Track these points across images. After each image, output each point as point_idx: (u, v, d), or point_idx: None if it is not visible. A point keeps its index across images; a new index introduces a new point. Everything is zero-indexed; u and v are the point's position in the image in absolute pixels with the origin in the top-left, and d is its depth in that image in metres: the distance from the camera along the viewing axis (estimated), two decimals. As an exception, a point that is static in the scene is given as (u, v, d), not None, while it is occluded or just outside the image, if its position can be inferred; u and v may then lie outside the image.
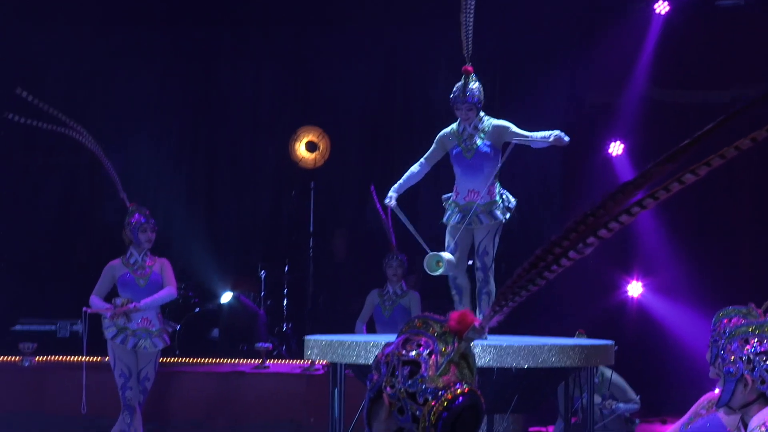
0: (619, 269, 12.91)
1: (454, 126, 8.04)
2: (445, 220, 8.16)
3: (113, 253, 9.59)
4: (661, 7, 12.85)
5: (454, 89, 7.86)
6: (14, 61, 12.98)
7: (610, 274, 12.80)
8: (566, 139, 7.77)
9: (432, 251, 7.91)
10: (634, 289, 13.06)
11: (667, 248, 12.83)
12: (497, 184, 8.07)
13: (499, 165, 7.97)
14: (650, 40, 12.92)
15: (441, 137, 8.08)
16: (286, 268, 13.20)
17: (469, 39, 7.81)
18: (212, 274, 13.23)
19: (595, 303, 12.61)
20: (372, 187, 10.78)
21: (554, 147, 8.03)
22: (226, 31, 13.96)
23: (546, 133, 7.78)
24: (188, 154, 14.16)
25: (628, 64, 12.95)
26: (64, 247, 13.40)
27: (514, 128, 7.90)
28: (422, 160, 8.12)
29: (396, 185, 8.08)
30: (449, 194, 8.24)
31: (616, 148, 13.11)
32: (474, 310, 7.75)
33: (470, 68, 7.83)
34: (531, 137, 7.82)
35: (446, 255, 8.01)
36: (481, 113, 7.90)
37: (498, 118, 7.99)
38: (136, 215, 9.28)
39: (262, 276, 12.94)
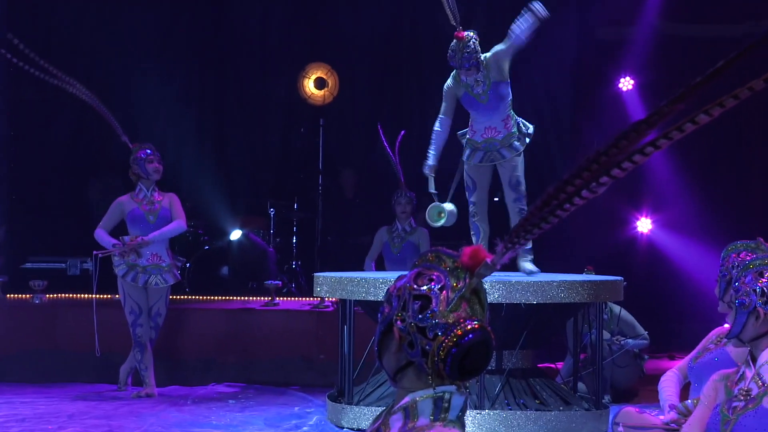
0: (628, 205, 12.90)
1: (454, 74, 8.05)
2: (465, 158, 8.18)
3: (123, 190, 9.62)
4: (673, -59, 12.73)
5: (449, 52, 7.87)
6: (21, 3, 12.89)
7: (620, 210, 12.79)
8: (541, 11, 7.82)
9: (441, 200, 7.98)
10: (644, 225, 13.06)
11: (676, 184, 12.81)
12: (512, 114, 8.10)
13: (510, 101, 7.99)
14: (662, -26, 12.82)
15: (450, 90, 8.08)
16: (296, 206, 13.21)
17: (455, 8, 7.82)
18: (221, 212, 13.24)
19: (605, 239, 12.62)
20: (379, 126, 10.76)
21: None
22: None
23: (524, 23, 7.82)
24: (196, 92, 14.12)
25: (639, -2, 12.86)
26: (74, 185, 13.40)
27: (504, 46, 7.92)
28: (441, 116, 8.13)
29: (431, 158, 8.08)
30: (464, 130, 8.25)
31: (626, 84, 13.05)
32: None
33: (461, 34, 7.84)
34: (518, 34, 7.84)
35: (448, 206, 8.05)
36: (479, 55, 7.90)
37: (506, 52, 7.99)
38: (143, 149, 9.30)
39: (272, 213, 12.95)
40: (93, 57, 13.35)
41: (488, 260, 2.51)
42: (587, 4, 13.13)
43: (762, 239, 5.47)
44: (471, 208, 8.25)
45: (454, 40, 7.89)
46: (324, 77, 13.90)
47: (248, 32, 14.03)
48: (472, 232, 8.30)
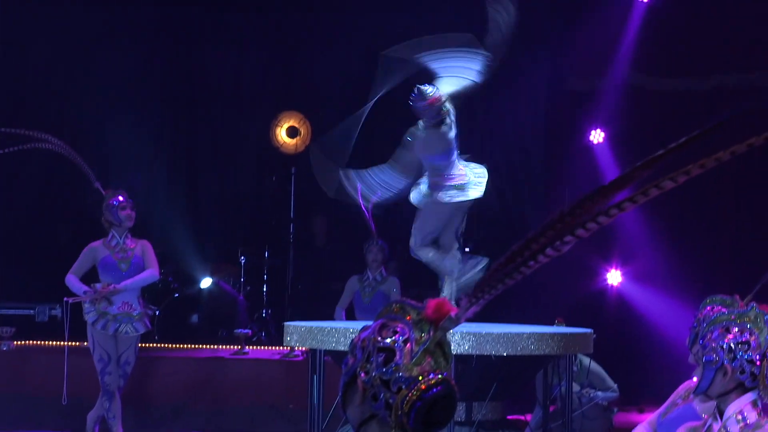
0: (598, 257, 12.93)
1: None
2: (416, 202, 8.26)
3: (94, 236, 9.56)
4: (644, -7, 12.86)
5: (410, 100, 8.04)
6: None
7: (590, 261, 12.82)
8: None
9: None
10: (614, 276, 13.08)
11: (646, 236, 12.85)
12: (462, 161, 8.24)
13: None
14: (632, 26, 12.92)
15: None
16: (266, 254, 13.18)
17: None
18: (192, 259, 13.20)
19: (575, 290, 12.64)
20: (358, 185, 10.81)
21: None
22: (209, 14, 13.91)
23: None
24: (169, 138, 14.12)
25: (610, 50, 12.96)
26: (43, 230, 13.34)
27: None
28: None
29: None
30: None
31: (597, 136, 13.12)
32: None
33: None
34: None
35: None
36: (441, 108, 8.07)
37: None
38: (115, 196, 9.26)
39: (242, 261, 12.92)
40: (66, 100, 13.36)
41: (452, 314, 2.51)
42: (559, 55, 13.23)
43: (738, 296, 5.49)
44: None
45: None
46: (296, 126, 13.92)
47: (222, 79, 14.06)
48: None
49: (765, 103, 10.63)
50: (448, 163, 8.13)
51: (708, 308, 5.25)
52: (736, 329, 4.28)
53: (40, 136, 9.48)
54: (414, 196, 8.30)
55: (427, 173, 8.27)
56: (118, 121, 13.34)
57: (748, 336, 4.27)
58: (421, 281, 9.28)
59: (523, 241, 2.29)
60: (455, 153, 8.16)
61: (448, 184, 8.14)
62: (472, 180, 8.20)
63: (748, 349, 4.24)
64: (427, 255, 8.30)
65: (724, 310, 4.88)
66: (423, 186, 8.28)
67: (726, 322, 4.33)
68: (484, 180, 8.29)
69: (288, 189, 13.53)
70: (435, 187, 8.19)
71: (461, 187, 8.15)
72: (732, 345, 4.26)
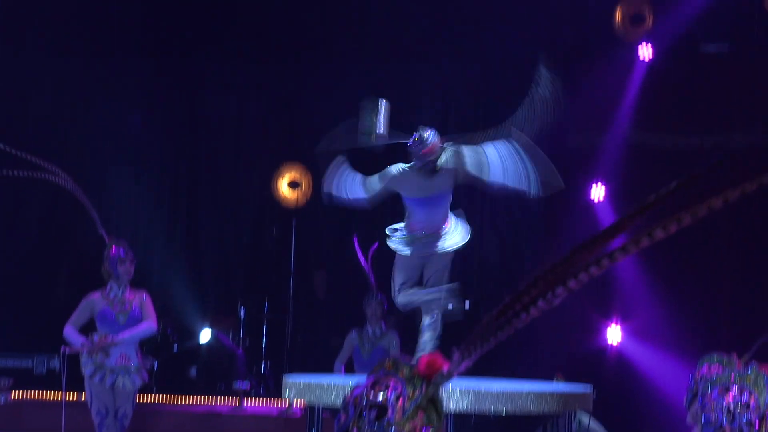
0: (598, 313, 12.89)
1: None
2: (399, 250, 8.20)
3: (92, 287, 9.53)
4: (645, 52, 12.90)
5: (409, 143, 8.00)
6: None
7: (590, 317, 12.77)
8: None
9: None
10: (614, 333, 13.03)
11: (647, 293, 12.81)
12: (451, 215, 8.17)
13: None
14: (633, 84, 12.96)
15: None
16: (266, 307, 13.15)
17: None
18: (191, 312, 13.17)
19: (575, 346, 12.58)
20: (354, 238, 10.80)
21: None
22: (211, 65, 13.97)
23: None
24: (169, 188, 14.13)
25: (611, 107, 12.99)
26: (42, 281, 13.32)
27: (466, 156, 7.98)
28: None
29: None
30: (395, 226, 8.26)
31: (597, 192, 13.11)
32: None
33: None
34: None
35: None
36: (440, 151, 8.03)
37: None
38: (114, 248, 9.25)
39: (242, 314, 12.88)
40: (66, 151, 13.38)
41: (444, 369, 2.49)
42: (560, 111, 13.24)
43: (736, 355, 5.45)
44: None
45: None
46: (298, 178, 13.93)
47: (223, 130, 14.09)
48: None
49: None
50: (429, 210, 8.04)
51: (705, 367, 5.21)
52: (736, 390, 4.25)
53: (52, 168, 9.52)
54: (393, 241, 8.19)
55: (407, 214, 8.18)
56: (118, 171, 13.37)
57: (747, 397, 4.23)
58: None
59: (515, 294, 2.28)
60: (443, 202, 8.07)
61: (423, 232, 8.06)
62: (449, 230, 8.11)
63: (747, 410, 4.20)
64: (405, 299, 8.22)
65: (722, 369, 4.85)
66: (399, 232, 8.18)
67: (726, 382, 4.29)
68: (461, 235, 8.17)
69: (288, 241, 13.51)
70: (410, 231, 8.11)
71: (434, 237, 8.07)
72: (731, 406, 4.22)
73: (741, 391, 4.25)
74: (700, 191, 2.16)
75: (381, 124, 7.98)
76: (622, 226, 2.19)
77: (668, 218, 2.14)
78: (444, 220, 8.08)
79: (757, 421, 4.19)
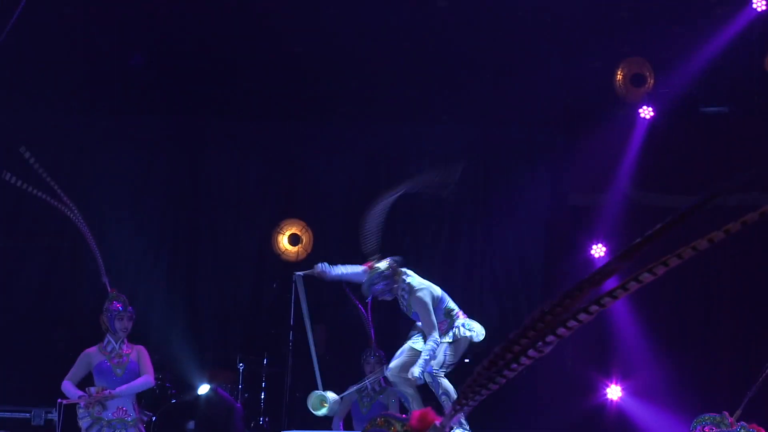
0: (598, 371, 12.85)
1: None
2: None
3: (91, 341, 9.52)
4: (646, 112, 12.96)
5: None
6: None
7: (590, 375, 12.73)
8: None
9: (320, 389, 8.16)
10: (613, 392, 12.99)
11: (646, 351, 12.79)
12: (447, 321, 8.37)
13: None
14: (634, 144, 13.01)
15: None
16: (265, 361, 13.11)
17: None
18: (190, 365, 13.13)
19: (574, 404, 12.54)
20: (348, 290, 10.82)
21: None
22: (211, 122, 14.04)
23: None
24: (169, 242, 14.15)
25: (611, 167, 13.02)
26: (41, 333, 13.30)
27: (425, 327, 8.44)
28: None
29: (339, 269, 8.33)
30: None
31: (598, 251, 13.13)
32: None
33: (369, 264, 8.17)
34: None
35: (331, 395, 8.23)
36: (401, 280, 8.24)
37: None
38: (114, 303, 9.24)
39: (241, 368, 12.85)
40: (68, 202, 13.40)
41: (437, 423, 2.50)
42: (560, 170, 13.30)
43: (727, 413, 5.46)
44: None
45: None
46: (299, 233, 13.95)
47: (224, 186, 14.13)
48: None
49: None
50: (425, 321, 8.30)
51: (699, 428, 5.23)
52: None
53: (72, 206, 9.56)
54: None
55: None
56: (118, 226, 13.38)
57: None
58: (420, 390, 9.21)
59: (505, 343, 2.28)
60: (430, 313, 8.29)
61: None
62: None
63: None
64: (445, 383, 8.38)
65: (714, 429, 4.86)
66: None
67: (717, 442, 4.31)
68: (467, 333, 8.36)
69: (288, 296, 13.50)
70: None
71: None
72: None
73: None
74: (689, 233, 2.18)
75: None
76: (609, 270, 2.20)
77: (655, 262, 2.16)
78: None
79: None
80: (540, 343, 2.26)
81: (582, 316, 2.21)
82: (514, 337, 2.27)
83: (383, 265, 8.25)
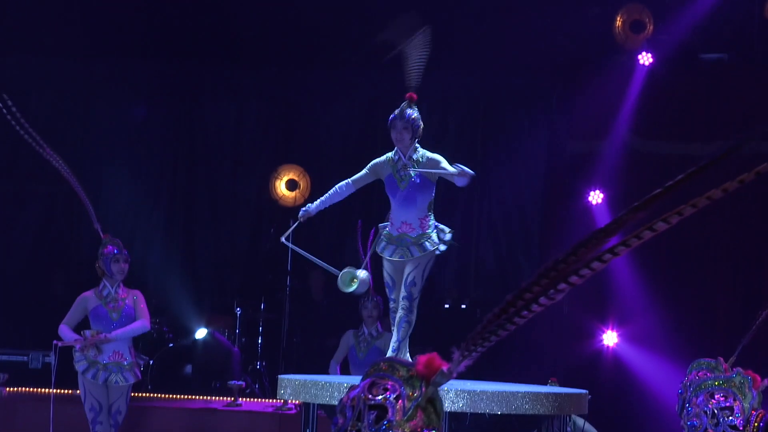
0: (594, 318, 12.90)
1: (389, 154, 8.09)
2: (379, 250, 8.15)
3: (89, 285, 9.53)
4: (645, 59, 12.91)
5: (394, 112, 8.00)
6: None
7: (586, 322, 12.78)
8: (469, 171, 7.77)
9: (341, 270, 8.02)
10: (609, 338, 13.04)
11: (642, 297, 12.83)
12: (431, 216, 8.06)
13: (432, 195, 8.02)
14: (633, 91, 12.97)
15: (374, 164, 8.12)
16: (262, 306, 13.15)
17: (416, 72, 7.98)
18: (187, 310, 13.17)
19: (570, 351, 12.59)
20: (359, 223, 10.79)
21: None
22: (210, 68, 13.99)
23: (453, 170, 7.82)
24: (167, 188, 14.14)
25: (610, 114, 13.00)
26: (39, 278, 13.33)
27: (444, 164, 7.92)
28: (349, 180, 8.18)
29: (317, 202, 8.17)
30: (385, 224, 8.21)
31: (595, 197, 13.13)
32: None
33: (414, 96, 7.95)
34: (464, 172, 7.82)
35: (362, 273, 8.04)
36: (417, 144, 7.96)
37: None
38: (109, 246, 9.23)
39: (238, 313, 12.89)
40: (64, 151, 13.36)
41: (444, 368, 2.49)
42: (558, 117, 13.28)
43: (722, 359, 5.47)
44: (391, 305, 8.19)
45: (405, 101, 8.03)
46: (296, 179, 13.94)
47: (221, 131, 14.11)
48: (393, 328, 8.21)
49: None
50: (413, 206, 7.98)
51: (693, 373, 5.25)
52: (721, 395, 4.27)
53: (55, 156, 9.51)
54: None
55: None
56: (116, 172, 13.38)
57: (732, 401, 4.25)
58: (417, 337, 9.24)
59: (517, 291, 2.29)
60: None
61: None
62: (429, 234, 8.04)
63: (731, 414, 4.22)
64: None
65: (709, 374, 4.87)
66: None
67: (710, 387, 4.31)
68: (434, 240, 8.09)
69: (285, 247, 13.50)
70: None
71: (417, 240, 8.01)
72: (715, 410, 4.24)
73: (726, 396, 4.27)
74: (703, 184, 2.17)
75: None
76: (624, 220, 2.20)
77: (669, 211, 2.16)
78: (421, 220, 8.01)
79: (741, 425, 4.21)
80: (552, 291, 2.26)
81: (595, 264, 2.21)
82: (526, 285, 2.28)
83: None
